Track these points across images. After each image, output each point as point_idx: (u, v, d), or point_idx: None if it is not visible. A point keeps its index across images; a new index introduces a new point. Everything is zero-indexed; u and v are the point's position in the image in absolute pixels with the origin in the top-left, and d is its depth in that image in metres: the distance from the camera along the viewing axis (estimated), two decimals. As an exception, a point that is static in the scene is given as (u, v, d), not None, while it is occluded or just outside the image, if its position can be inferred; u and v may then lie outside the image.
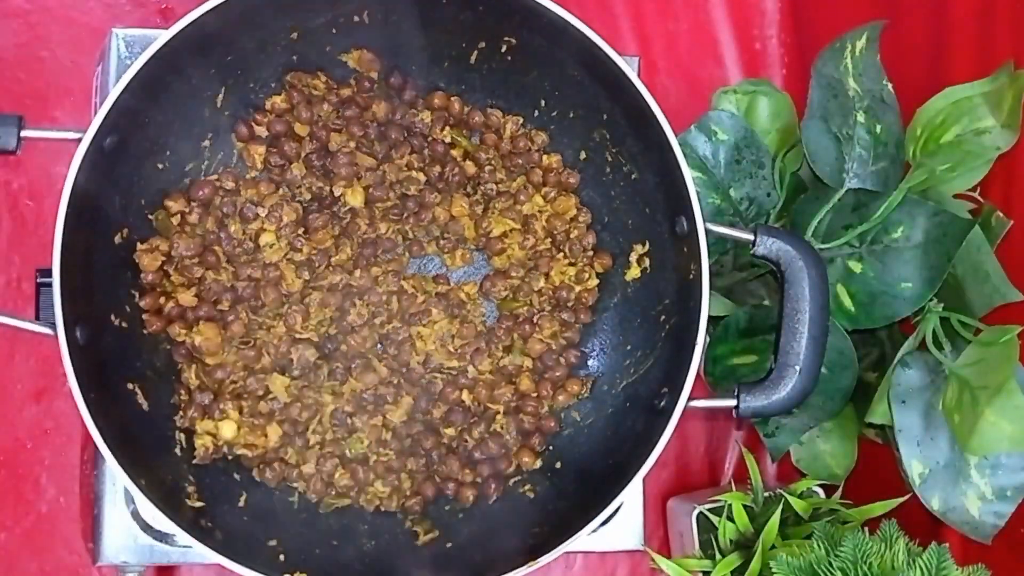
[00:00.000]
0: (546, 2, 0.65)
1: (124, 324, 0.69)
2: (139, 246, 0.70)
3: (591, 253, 0.77)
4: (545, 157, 0.77)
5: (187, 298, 0.72)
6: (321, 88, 0.74)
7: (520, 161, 0.77)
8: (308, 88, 0.74)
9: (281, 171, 0.74)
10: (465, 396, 0.75)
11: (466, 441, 0.75)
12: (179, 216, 0.72)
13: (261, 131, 0.74)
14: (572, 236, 0.77)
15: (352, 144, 0.74)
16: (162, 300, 0.71)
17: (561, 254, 0.77)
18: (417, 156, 0.76)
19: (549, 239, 0.77)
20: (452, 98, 0.76)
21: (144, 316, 0.71)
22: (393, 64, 0.75)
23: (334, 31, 0.72)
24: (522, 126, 0.77)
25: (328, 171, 0.74)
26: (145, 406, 0.68)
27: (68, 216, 0.60)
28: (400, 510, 0.73)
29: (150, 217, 0.71)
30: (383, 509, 0.73)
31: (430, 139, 0.76)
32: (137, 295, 0.70)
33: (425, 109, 0.76)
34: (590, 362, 0.78)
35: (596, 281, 0.77)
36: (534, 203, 0.77)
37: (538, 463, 0.75)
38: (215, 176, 0.73)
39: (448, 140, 0.76)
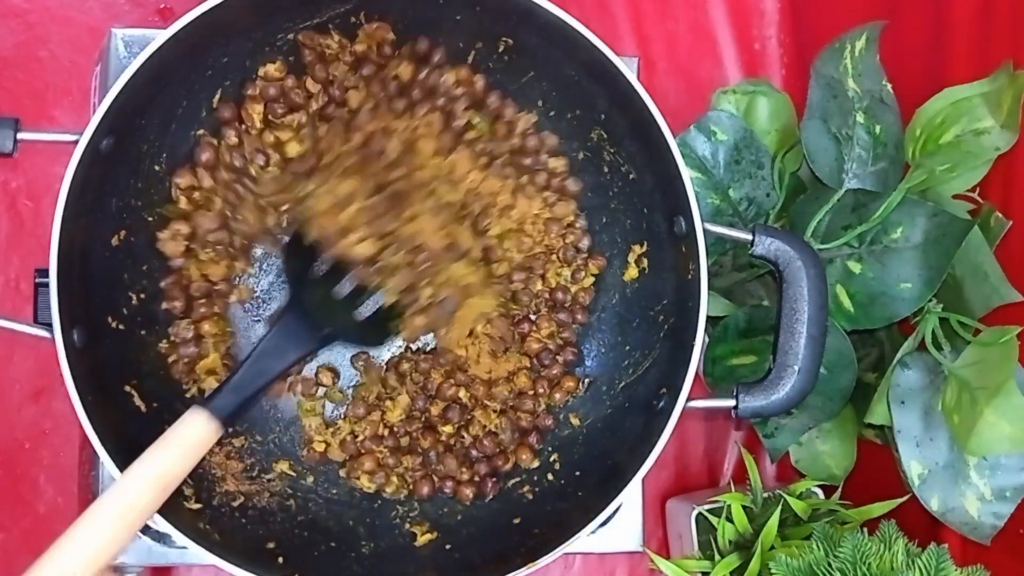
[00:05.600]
0: (544, 2, 0.64)
1: (121, 326, 0.69)
2: (160, 235, 0.70)
3: (586, 255, 0.77)
4: (552, 160, 0.77)
5: (219, 270, 0.72)
6: (334, 47, 0.73)
7: (527, 161, 0.76)
8: (320, 47, 0.72)
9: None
10: (462, 394, 0.75)
11: (463, 438, 0.75)
12: (189, 190, 0.71)
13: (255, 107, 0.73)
14: (567, 241, 0.77)
15: (372, 103, 0.72)
16: (187, 278, 0.72)
17: (555, 256, 0.77)
18: (439, 116, 0.73)
19: (544, 242, 0.77)
20: (476, 75, 0.74)
21: (164, 303, 0.71)
22: (418, 31, 0.73)
23: (330, 30, 0.72)
24: (534, 126, 0.76)
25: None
26: (143, 408, 0.68)
27: (65, 219, 0.60)
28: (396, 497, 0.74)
29: (148, 219, 0.71)
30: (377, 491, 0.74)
31: (448, 109, 0.74)
32: (137, 292, 0.70)
33: (451, 70, 0.74)
34: (588, 362, 0.78)
35: (592, 281, 0.77)
36: (532, 205, 0.76)
37: (536, 462, 0.75)
38: (212, 138, 0.72)
39: (464, 122, 0.74)
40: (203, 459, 0.70)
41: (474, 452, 0.75)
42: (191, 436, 0.60)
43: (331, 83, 0.73)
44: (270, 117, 0.73)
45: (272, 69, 0.72)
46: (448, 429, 0.75)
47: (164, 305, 0.72)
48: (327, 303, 0.69)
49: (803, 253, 0.66)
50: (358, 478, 0.74)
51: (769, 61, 0.93)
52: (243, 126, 0.73)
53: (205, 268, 0.72)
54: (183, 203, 0.72)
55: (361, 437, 0.75)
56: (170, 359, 0.72)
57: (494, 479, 0.75)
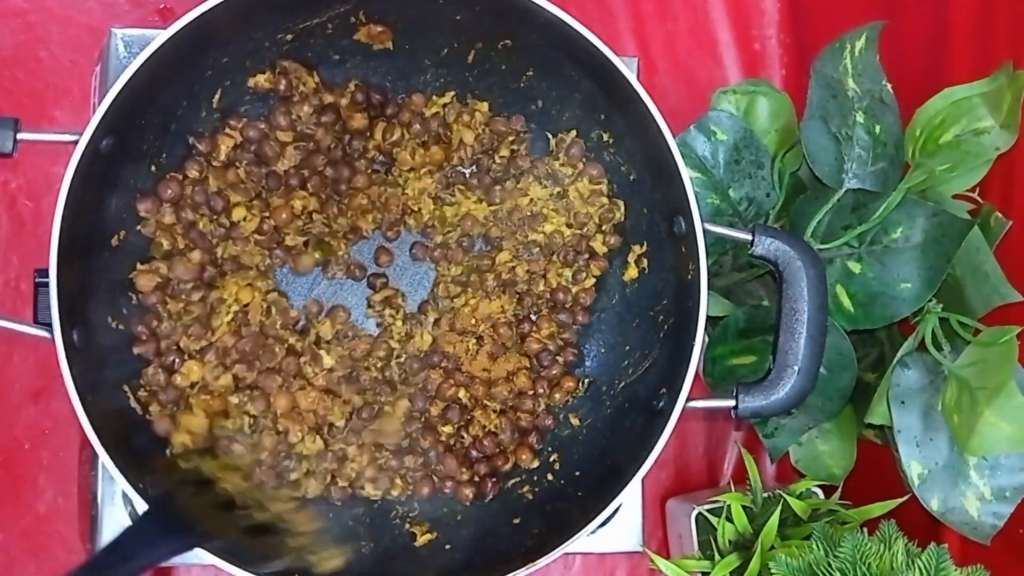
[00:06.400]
0: (544, 3, 0.64)
1: (121, 327, 0.69)
2: (139, 266, 0.70)
3: (587, 256, 0.77)
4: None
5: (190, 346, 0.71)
6: (311, 85, 0.73)
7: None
8: (298, 82, 0.73)
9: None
10: (462, 394, 0.75)
11: (463, 439, 0.75)
12: (154, 222, 0.71)
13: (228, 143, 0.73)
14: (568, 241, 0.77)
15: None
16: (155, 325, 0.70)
17: (556, 257, 0.76)
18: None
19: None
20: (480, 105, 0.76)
21: (136, 347, 0.69)
22: (417, 31, 0.73)
23: (329, 30, 0.72)
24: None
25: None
26: (139, 410, 0.68)
27: (65, 219, 0.60)
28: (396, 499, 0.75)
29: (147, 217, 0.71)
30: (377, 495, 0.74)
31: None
32: (137, 292, 0.70)
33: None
34: (588, 363, 0.78)
35: (593, 282, 0.77)
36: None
37: (536, 462, 0.75)
38: (178, 173, 0.72)
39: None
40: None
41: (474, 452, 0.75)
42: None
43: (294, 127, 0.73)
44: (233, 157, 0.73)
45: (262, 79, 0.72)
46: (448, 429, 0.75)
47: (136, 349, 0.69)
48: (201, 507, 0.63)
49: (803, 253, 0.66)
50: (362, 488, 0.74)
51: (769, 61, 0.93)
52: (209, 161, 0.72)
53: (180, 338, 0.70)
54: (166, 243, 0.70)
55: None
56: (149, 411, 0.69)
57: (494, 479, 0.75)
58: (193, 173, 0.72)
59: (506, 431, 0.75)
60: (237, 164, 0.73)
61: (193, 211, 0.72)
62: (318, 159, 0.74)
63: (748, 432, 0.89)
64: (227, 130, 0.72)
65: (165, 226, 0.71)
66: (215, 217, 0.72)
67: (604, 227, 0.76)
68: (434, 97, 0.76)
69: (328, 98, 0.74)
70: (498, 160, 0.76)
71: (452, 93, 0.76)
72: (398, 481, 0.74)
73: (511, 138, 0.76)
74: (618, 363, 0.76)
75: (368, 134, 0.75)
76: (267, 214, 0.73)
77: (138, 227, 0.70)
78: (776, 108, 0.84)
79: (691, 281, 0.66)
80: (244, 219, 0.72)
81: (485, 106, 0.76)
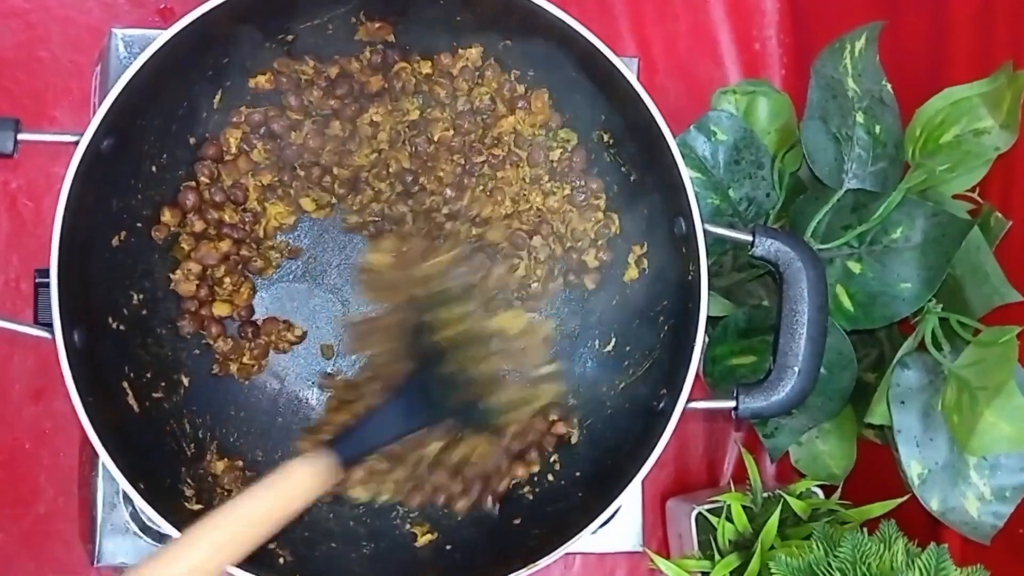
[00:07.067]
0: (544, 3, 0.64)
1: (121, 326, 0.69)
2: (172, 276, 0.72)
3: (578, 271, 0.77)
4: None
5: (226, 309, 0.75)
6: (309, 72, 0.73)
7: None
8: (296, 74, 0.73)
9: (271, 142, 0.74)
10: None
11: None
12: (177, 229, 0.72)
13: (234, 135, 0.73)
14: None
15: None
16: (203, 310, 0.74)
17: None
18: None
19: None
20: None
21: (180, 322, 0.73)
22: (417, 33, 0.73)
23: (329, 30, 0.72)
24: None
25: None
26: (136, 408, 0.68)
27: (65, 219, 0.60)
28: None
29: (146, 214, 0.71)
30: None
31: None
32: (137, 292, 0.70)
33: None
34: (588, 363, 0.78)
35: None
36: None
37: (536, 466, 0.75)
38: (191, 181, 0.73)
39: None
40: (206, 460, 0.71)
41: (467, 472, 0.74)
42: (311, 477, 0.59)
43: (307, 112, 0.73)
44: (244, 146, 0.74)
45: (263, 80, 0.72)
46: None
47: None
48: (450, 384, 0.68)
49: (803, 254, 0.66)
50: (352, 488, 0.74)
51: (769, 61, 0.93)
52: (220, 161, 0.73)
53: (229, 298, 0.74)
54: (185, 243, 0.72)
55: None
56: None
57: (491, 494, 0.74)
58: (204, 178, 0.72)
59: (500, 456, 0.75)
60: (248, 149, 0.73)
61: (216, 210, 0.72)
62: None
63: (748, 432, 0.90)
64: (230, 127, 0.73)
65: (195, 233, 0.72)
66: (240, 207, 0.74)
67: (599, 242, 0.76)
68: (460, 51, 0.74)
69: (334, 71, 0.73)
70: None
71: (480, 49, 0.74)
72: (389, 486, 0.74)
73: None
74: (618, 363, 0.76)
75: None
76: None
77: (153, 231, 0.71)
78: (776, 108, 0.84)
79: (691, 281, 0.66)
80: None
81: (522, 89, 0.75)
